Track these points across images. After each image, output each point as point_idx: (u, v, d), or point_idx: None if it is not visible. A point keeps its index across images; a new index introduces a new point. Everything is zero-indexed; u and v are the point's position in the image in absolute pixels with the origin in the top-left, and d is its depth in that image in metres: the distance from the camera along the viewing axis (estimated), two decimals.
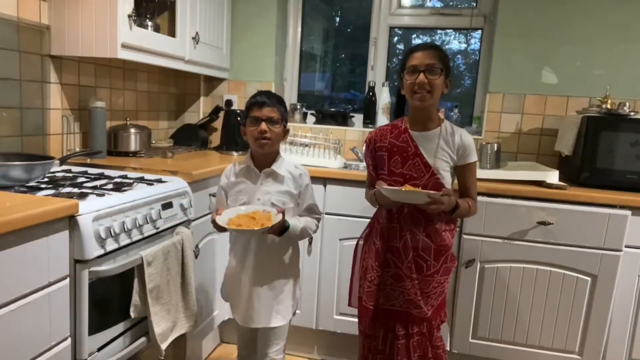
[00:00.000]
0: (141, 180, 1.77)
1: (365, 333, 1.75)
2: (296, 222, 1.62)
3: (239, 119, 2.63)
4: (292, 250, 1.71)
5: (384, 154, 1.63)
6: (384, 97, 2.75)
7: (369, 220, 1.76)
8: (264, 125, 1.57)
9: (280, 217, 1.50)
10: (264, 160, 1.64)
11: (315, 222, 1.70)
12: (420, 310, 1.63)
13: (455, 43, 3.05)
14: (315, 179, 2.02)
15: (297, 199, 1.66)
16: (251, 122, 1.60)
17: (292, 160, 1.73)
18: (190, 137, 2.79)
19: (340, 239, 2.26)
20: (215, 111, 2.84)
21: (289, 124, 1.75)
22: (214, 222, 1.53)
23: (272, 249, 1.64)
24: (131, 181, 1.71)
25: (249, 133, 1.61)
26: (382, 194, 1.53)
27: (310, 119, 2.97)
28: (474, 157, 1.62)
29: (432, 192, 1.48)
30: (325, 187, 2.23)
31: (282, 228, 1.55)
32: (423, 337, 1.68)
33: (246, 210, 1.56)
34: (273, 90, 2.85)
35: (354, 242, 1.83)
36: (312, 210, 1.69)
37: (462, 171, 1.63)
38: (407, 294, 1.62)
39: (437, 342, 1.70)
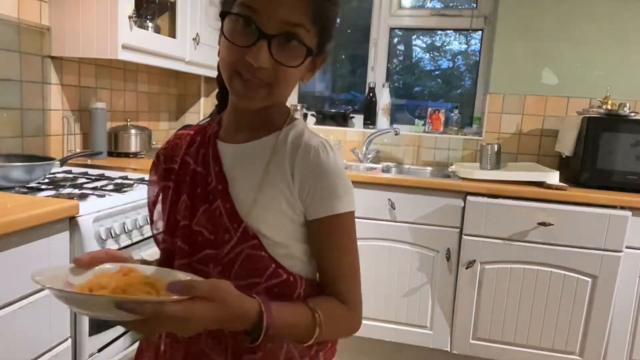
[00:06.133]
0: (142, 181, 1.77)
1: None
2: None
3: None
4: None
5: (169, 184, 0.82)
6: (384, 98, 2.76)
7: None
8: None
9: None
10: None
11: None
12: None
13: (455, 44, 3.05)
14: None
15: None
16: None
17: None
18: None
19: None
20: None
21: None
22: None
23: None
24: (132, 182, 1.72)
25: None
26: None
27: (311, 119, 2.97)
28: (341, 205, 0.74)
29: (137, 299, 0.59)
30: None
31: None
32: None
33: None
34: None
35: None
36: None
37: (313, 232, 0.76)
38: None
39: None
